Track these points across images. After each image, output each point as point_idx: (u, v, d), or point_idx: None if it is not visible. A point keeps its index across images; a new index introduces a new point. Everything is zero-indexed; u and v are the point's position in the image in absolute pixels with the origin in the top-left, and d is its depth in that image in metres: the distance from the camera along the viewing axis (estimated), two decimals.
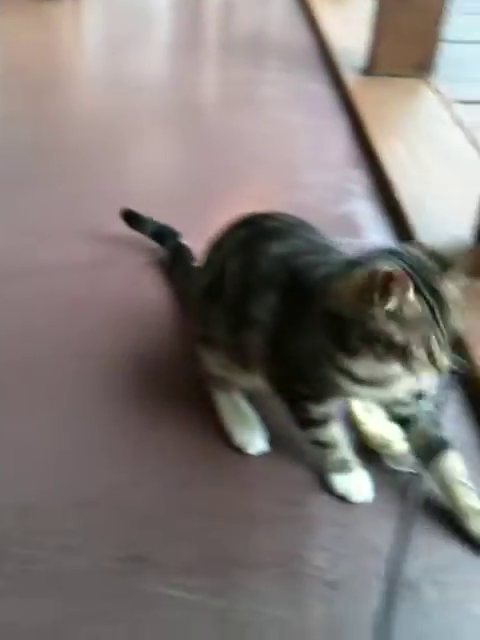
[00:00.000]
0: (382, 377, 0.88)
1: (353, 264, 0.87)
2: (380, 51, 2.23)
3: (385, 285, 0.79)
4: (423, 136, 1.92)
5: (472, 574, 0.91)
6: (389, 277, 0.79)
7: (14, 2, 2.93)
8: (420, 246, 0.88)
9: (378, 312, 0.81)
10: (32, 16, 2.87)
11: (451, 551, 0.93)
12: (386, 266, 0.80)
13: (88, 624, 0.85)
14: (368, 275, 0.81)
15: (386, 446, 1.03)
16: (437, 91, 2.15)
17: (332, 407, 0.96)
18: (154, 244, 1.46)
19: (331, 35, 2.60)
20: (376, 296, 0.80)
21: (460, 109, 2.05)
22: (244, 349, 1.00)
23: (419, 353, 0.82)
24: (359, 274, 0.83)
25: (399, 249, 0.88)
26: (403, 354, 0.82)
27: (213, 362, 1.07)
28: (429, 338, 0.82)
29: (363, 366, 0.86)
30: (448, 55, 2.30)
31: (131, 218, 1.47)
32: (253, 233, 1.03)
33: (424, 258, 0.85)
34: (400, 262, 0.83)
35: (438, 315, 0.82)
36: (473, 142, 1.85)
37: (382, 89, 2.17)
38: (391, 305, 0.80)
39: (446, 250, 0.88)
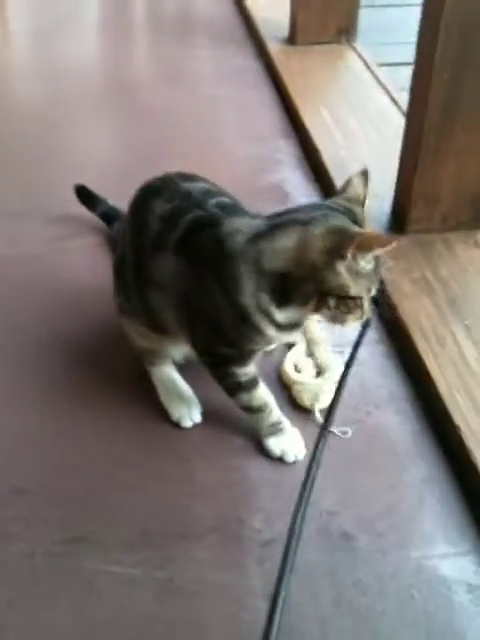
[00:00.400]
0: (301, 320, 0.91)
1: (293, 222, 0.86)
2: (302, 20, 2.22)
3: (362, 245, 0.80)
4: (348, 101, 1.92)
5: (406, 520, 0.93)
6: (371, 238, 0.80)
7: None
8: (345, 198, 0.90)
9: (343, 269, 0.82)
10: None
11: (384, 500, 0.95)
12: (347, 225, 0.83)
13: (32, 609, 0.85)
14: (339, 235, 0.82)
15: (318, 401, 1.05)
16: (360, 56, 2.15)
17: (254, 367, 0.97)
18: (101, 225, 1.45)
19: (254, 7, 2.58)
20: (349, 255, 0.81)
21: (383, 72, 2.06)
22: (154, 313, 0.99)
23: (364, 303, 0.86)
24: (318, 233, 0.83)
25: (330, 204, 0.89)
26: (355, 305, 0.85)
27: (135, 332, 1.08)
28: (370, 289, 0.86)
29: (287, 314, 0.88)
30: (369, 20, 2.30)
31: (84, 195, 1.46)
32: (141, 196, 1.03)
33: (355, 209, 0.88)
34: (345, 218, 0.85)
35: (377, 266, 0.85)
36: (397, 103, 1.86)
37: (306, 57, 2.17)
38: (363, 263, 0.82)
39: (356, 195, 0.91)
